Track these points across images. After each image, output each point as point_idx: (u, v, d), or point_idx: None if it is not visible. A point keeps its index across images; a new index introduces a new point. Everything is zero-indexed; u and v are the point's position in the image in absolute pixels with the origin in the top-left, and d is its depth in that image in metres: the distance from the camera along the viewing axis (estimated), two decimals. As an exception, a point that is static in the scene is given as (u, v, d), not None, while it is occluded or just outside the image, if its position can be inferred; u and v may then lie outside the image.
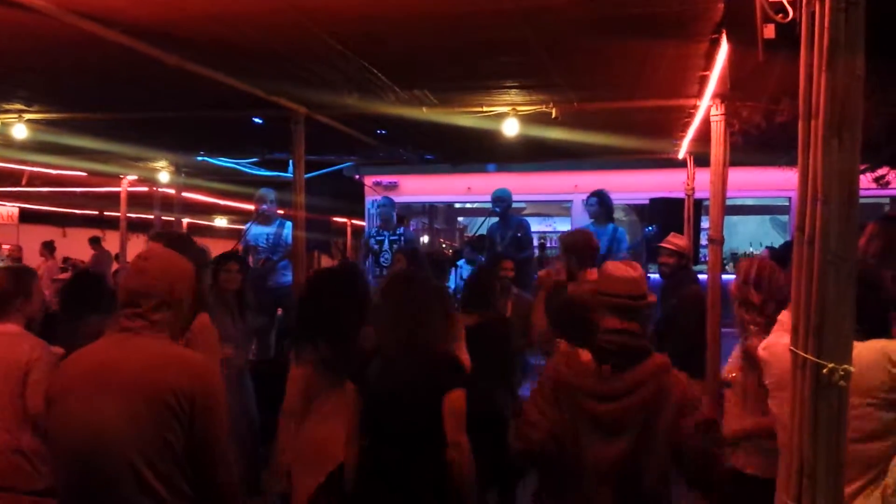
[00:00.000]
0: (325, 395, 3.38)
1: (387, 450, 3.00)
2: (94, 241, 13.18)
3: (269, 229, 7.53)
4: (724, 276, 4.79)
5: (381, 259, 7.83)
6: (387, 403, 3.01)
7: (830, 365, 1.65)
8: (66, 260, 13.76)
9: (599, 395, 2.54)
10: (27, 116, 5.90)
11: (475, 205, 14.33)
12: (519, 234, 7.72)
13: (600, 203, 7.60)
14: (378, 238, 8.07)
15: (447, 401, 2.92)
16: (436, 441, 2.91)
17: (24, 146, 6.96)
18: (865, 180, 6.07)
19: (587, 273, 4.63)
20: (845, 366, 1.65)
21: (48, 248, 13.36)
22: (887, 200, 10.12)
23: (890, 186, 6.25)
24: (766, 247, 10.33)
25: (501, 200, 7.79)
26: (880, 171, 6.15)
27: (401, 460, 2.96)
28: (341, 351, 3.36)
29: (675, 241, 5.71)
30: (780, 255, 6.12)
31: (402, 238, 8.08)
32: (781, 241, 13.34)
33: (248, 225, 7.84)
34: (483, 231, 8.23)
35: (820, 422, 1.67)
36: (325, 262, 7.38)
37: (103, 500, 2.18)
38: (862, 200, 1.70)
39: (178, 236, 3.40)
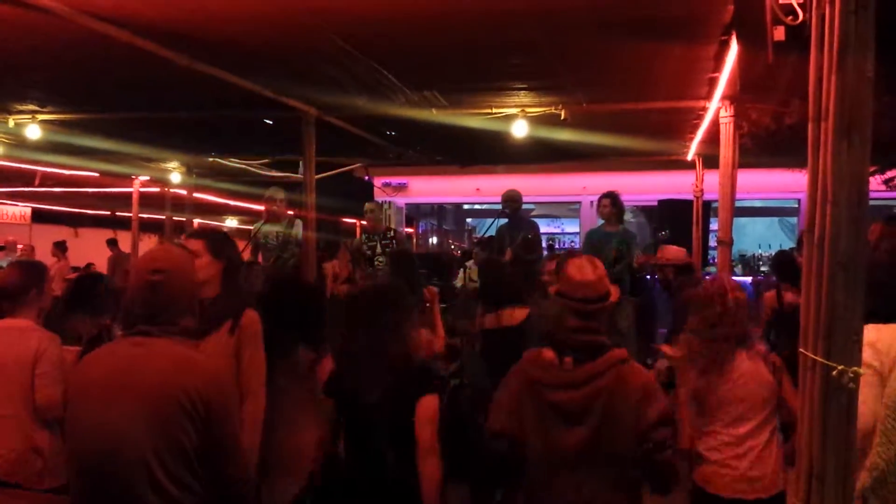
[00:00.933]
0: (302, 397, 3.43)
1: (358, 458, 3.03)
2: (112, 243, 13.24)
3: (279, 228, 7.56)
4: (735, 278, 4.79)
5: (376, 263, 7.80)
6: (358, 412, 3.04)
7: (840, 367, 1.65)
8: (88, 266, 13.79)
9: (560, 384, 2.67)
10: (40, 117, 5.94)
11: (484, 206, 14.34)
12: (529, 236, 7.72)
13: (613, 204, 7.56)
14: (370, 244, 8.06)
15: (419, 408, 2.94)
16: (408, 448, 2.93)
17: (37, 147, 7.00)
18: (875, 182, 6.06)
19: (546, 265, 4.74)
20: (854, 368, 1.65)
21: (60, 247, 13.42)
22: (897, 203, 10.08)
23: (900, 189, 6.25)
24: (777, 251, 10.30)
25: (512, 201, 7.78)
26: (890, 174, 6.14)
27: (372, 468, 2.99)
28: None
29: (665, 255, 5.76)
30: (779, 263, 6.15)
31: (394, 241, 8.07)
32: (789, 244, 13.35)
33: (257, 224, 7.88)
34: (492, 232, 8.24)
35: (829, 424, 1.67)
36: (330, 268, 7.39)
37: (115, 500, 2.20)
38: (871, 203, 1.71)
39: (220, 233, 3.39)
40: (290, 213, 7.66)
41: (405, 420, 2.92)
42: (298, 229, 7.13)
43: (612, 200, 7.52)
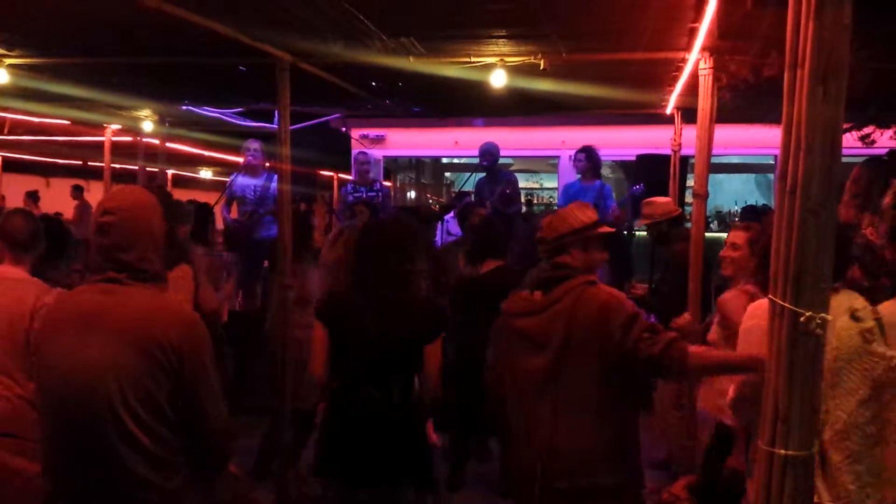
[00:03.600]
0: None
1: (360, 393, 3.07)
2: (77, 191, 12.98)
3: (257, 181, 7.48)
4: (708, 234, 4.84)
5: None
6: (365, 350, 3.06)
7: (808, 313, 1.67)
8: (56, 215, 13.57)
9: (525, 313, 2.85)
10: (8, 61, 5.78)
11: (462, 160, 14.26)
12: (508, 190, 7.71)
13: (588, 158, 7.61)
14: (356, 194, 8.02)
15: (428, 353, 3.00)
16: (409, 384, 3.06)
17: (6, 92, 6.83)
18: (851, 138, 6.09)
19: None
20: (822, 314, 1.67)
21: (32, 198, 13.20)
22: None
23: (875, 145, 6.29)
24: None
25: (489, 154, 7.76)
26: (866, 130, 6.17)
27: (374, 402, 3.03)
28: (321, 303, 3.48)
29: (657, 210, 5.77)
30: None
31: (380, 194, 8.04)
32: (764, 201, 13.44)
33: (233, 176, 7.77)
34: (470, 186, 8.20)
35: (796, 369, 1.69)
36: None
37: (83, 445, 2.18)
38: (847, 159, 1.71)
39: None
40: (268, 165, 7.57)
41: (411, 361, 3.09)
42: (276, 184, 7.07)
43: (587, 155, 7.55)
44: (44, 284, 3.35)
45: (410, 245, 3.23)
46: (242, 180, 7.48)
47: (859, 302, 2.49)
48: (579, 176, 7.83)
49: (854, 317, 2.43)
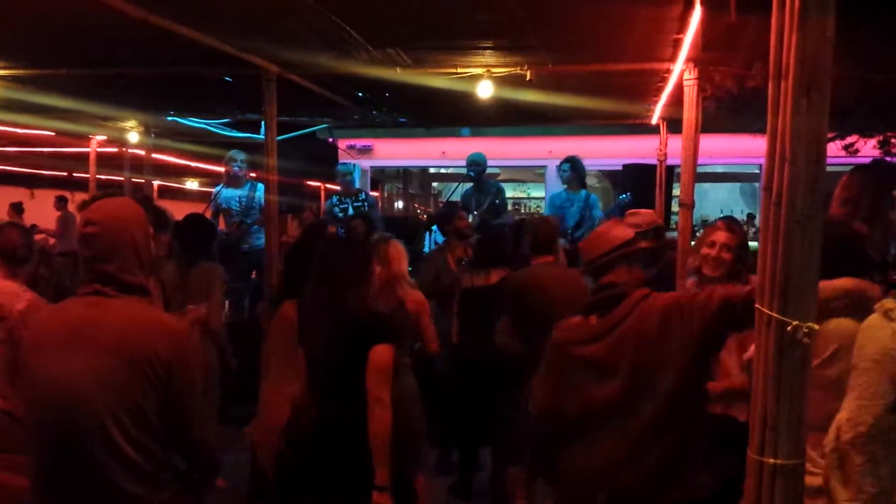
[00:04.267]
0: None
1: (316, 404, 3.06)
2: (61, 202, 12.83)
3: (241, 192, 7.45)
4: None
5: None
6: (312, 359, 3.06)
7: (795, 322, 1.68)
8: (32, 227, 13.46)
9: (586, 339, 2.70)
10: (-8, 72, 5.76)
11: (450, 170, 14.29)
12: (497, 201, 7.72)
13: (573, 168, 7.63)
14: (342, 206, 8.00)
15: (371, 356, 2.95)
16: (359, 396, 2.95)
17: (-11, 104, 6.80)
18: (835, 148, 6.14)
19: None
20: (809, 323, 1.68)
21: (16, 209, 13.07)
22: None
23: (859, 154, 6.35)
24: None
25: (477, 164, 7.76)
26: (850, 139, 6.23)
27: (326, 415, 3.02)
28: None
29: (639, 220, 5.77)
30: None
31: (366, 204, 8.03)
32: (749, 210, 13.51)
33: (217, 188, 7.74)
34: (457, 197, 8.21)
35: (783, 377, 1.70)
36: (296, 227, 7.31)
37: (71, 460, 2.16)
38: (831, 168, 1.72)
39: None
40: (253, 175, 7.55)
41: (355, 370, 2.94)
42: (260, 193, 7.06)
43: (572, 165, 7.58)
44: (32, 294, 3.32)
45: (357, 254, 3.24)
46: (227, 192, 7.45)
47: (891, 302, 2.40)
48: (565, 186, 7.86)
49: (889, 316, 2.35)
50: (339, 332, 3.02)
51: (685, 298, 2.61)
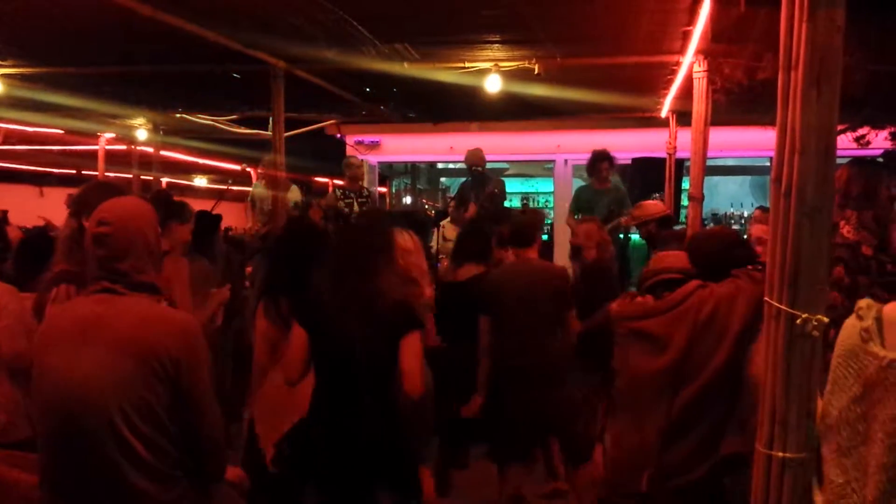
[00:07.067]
0: (285, 346, 3.41)
1: (342, 396, 3.04)
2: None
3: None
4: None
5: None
6: (343, 352, 3.03)
7: (804, 315, 1.67)
8: (47, 225, 13.48)
9: (645, 315, 2.85)
10: (1, 71, 5.77)
11: (458, 165, 14.26)
12: (496, 190, 7.66)
13: (612, 165, 7.30)
14: (346, 200, 8.00)
15: (404, 344, 2.94)
16: (391, 386, 2.94)
17: (-1, 102, 6.83)
18: (846, 140, 6.09)
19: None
20: (819, 316, 1.67)
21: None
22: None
23: (870, 146, 6.29)
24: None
25: (482, 160, 7.71)
26: (861, 131, 6.17)
27: (356, 406, 3.00)
28: (298, 304, 3.38)
29: (644, 211, 5.74)
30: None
31: (370, 199, 8.03)
32: (759, 203, 13.44)
33: (255, 185, 7.82)
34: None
35: (793, 371, 1.69)
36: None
37: (81, 457, 2.16)
38: (842, 160, 1.71)
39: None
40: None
41: (388, 361, 2.93)
42: (295, 195, 7.15)
43: (609, 162, 7.24)
44: (3, 284, 3.31)
45: (379, 243, 3.22)
46: (261, 192, 7.52)
47: (864, 302, 2.47)
48: (582, 181, 7.69)
49: (858, 315, 2.42)
50: (373, 320, 2.99)
51: (740, 291, 2.70)
